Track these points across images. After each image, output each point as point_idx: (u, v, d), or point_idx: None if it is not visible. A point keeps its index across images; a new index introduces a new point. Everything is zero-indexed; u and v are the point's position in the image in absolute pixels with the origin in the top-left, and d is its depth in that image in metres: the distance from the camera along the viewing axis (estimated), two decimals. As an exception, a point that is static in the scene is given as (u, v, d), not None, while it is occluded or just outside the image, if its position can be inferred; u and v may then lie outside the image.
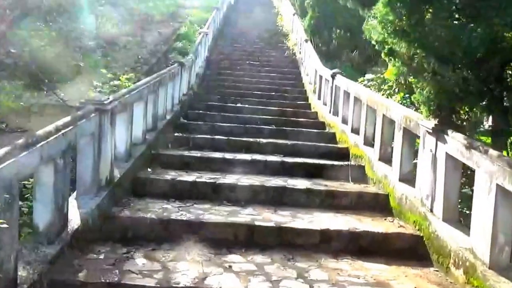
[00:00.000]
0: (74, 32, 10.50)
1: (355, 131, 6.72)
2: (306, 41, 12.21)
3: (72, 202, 3.42)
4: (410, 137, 4.68)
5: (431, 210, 3.87)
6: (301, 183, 5.08)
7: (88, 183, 3.64)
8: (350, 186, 5.21)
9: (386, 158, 5.37)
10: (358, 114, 6.66)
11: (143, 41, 12.18)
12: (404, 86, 6.56)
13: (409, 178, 4.67)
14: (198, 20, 15.39)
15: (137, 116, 5.25)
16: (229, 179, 5.03)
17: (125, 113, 4.70)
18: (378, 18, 3.97)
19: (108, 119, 3.94)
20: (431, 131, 3.88)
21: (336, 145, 7.06)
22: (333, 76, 8.31)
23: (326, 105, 8.82)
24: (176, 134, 6.75)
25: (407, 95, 6.60)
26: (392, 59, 4.12)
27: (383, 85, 8.87)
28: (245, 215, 4.12)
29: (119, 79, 7.22)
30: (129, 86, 6.44)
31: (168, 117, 7.01)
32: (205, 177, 4.99)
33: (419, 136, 4.30)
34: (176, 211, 4.09)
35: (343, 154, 6.55)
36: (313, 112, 9.32)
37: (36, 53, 8.37)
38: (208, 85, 10.65)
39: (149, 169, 5.27)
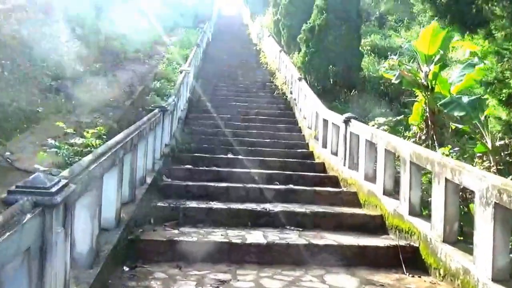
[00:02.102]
0: (33, 70, 8.98)
1: (390, 193, 5.36)
2: (300, 79, 11.21)
3: None
4: (506, 217, 3.29)
5: None
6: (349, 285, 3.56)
7: None
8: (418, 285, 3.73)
9: (453, 240, 3.96)
10: (393, 172, 5.32)
11: (116, 80, 10.97)
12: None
13: (507, 278, 3.25)
14: (176, 58, 14.72)
15: (109, 190, 3.69)
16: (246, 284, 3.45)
17: (90, 194, 3.13)
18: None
19: (58, 216, 2.34)
20: None
21: (364, 212, 5.64)
22: (346, 122, 7.04)
23: (336, 155, 7.52)
24: (160, 204, 5.16)
25: (456, 148, 5.34)
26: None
27: (406, 132, 7.74)
28: None
29: (84, 135, 5.56)
30: (97, 145, 4.88)
31: (148, 179, 5.45)
32: (209, 282, 3.40)
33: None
34: None
35: (379, 227, 5.14)
36: (319, 163, 7.99)
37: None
38: (193, 132, 9.25)
39: (125, 268, 3.64)
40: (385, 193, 5.43)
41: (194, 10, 26.41)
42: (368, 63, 12.74)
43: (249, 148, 8.33)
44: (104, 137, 5.68)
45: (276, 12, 16.46)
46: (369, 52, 13.87)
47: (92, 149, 5.02)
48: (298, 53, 12.65)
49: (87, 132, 5.54)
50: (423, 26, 11.05)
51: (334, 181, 6.99)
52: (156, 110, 6.51)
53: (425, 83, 7.62)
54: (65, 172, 2.68)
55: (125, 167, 4.23)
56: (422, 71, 7.80)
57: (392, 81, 8.53)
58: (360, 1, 12.48)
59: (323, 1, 11.60)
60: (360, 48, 11.84)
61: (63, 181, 2.37)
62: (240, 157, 7.75)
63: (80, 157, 4.55)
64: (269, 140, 9.13)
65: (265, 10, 21.94)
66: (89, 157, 3.28)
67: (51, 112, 7.92)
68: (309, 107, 9.85)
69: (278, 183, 6.69)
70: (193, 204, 5.29)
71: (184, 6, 28.52)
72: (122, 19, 13.95)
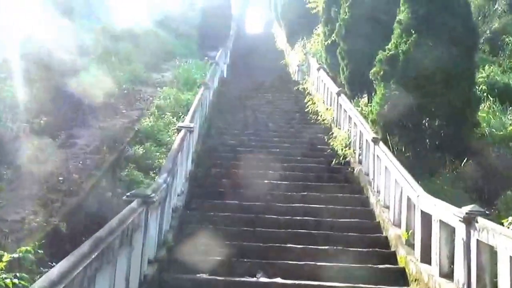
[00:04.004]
0: None
1: None
2: (375, 141, 10.86)
3: None
4: None
5: None
6: None
7: None
8: None
9: None
10: None
11: (72, 145, 10.91)
12: None
13: None
14: (171, 105, 15.17)
15: None
16: None
17: None
18: None
19: None
20: None
21: None
22: (468, 220, 6.28)
23: (451, 279, 6.68)
24: None
25: None
26: None
27: None
28: None
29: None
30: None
31: None
32: None
33: None
34: None
35: None
36: (420, 292, 7.17)
37: None
38: (195, 235, 8.62)
39: None
40: None
41: (201, 28, 27.13)
42: (487, 113, 12.23)
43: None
44: (33, 255, 5.04)
45: (330, 32, 16.49)
46: (486, 93, 13.43)
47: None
48: (370, 97, 12.37)
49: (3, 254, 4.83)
50: None
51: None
52: (135, 203, 5.99)
53: None
54: None
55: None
56: None
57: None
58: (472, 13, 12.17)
59: (408, 14, 11.33)
60: (474, 89, 11.37)
61: None
62: None
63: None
64: (326, 249, 8.45)
65: (311, 30, 22.29)
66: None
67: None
68: (393, 189, 9.28)
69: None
70: None
71: (184, 22, 29.47)
72: (84, 45, 14.22)
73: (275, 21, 35.87)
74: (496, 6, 18.60)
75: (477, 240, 6.15)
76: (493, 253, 5.80)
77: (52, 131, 11.06)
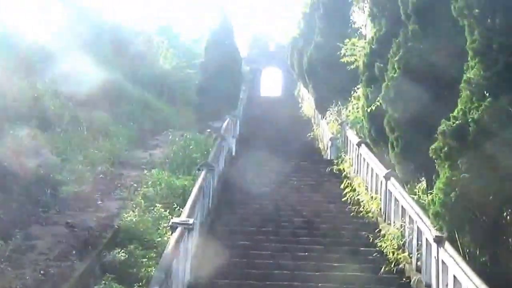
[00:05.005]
0: None
1: None
2: (440, 241, 10.80)
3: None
4: None
5: None
6: None
7: None
8: None
9: None
10: None
11: (28, 249, 11.01)
12: None
13: None
14: (164, 193, 15.49)
15: None
16: None
17: None
18: None
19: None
20: None
21: None
22: None
23: None
24: None
25: None
26: None
27: None
28: None
29: None
30: None
31: None
32: None
33: None
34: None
35: None
36: None
37: None
38: None
39: None
40: None
41: (201, 91, 27.69)
42: None
43: None
44: None
45: (374, 95, 16.49)
46: None
47: None
48: (430, 182, 12.58)
49: None
50: None
51: None
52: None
53: None
54: None
55: None
56: None
57: None
58: None
59: (480, 71, 11.36)
60: None
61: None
62: None
63: None
64: None
65: (348, 92, 22.37)
66: None
67: None
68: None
69: None
70: None
71: (179, 82, 29.86)
72: (46, 115, 14.44)
73: (299, 80, 36.47)
74: None
75: None
76: None
77: (4, 230, 11.19)
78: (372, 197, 16.20)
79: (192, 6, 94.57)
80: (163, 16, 44.22)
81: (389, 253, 13.16)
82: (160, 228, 13.03)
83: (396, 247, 13.14)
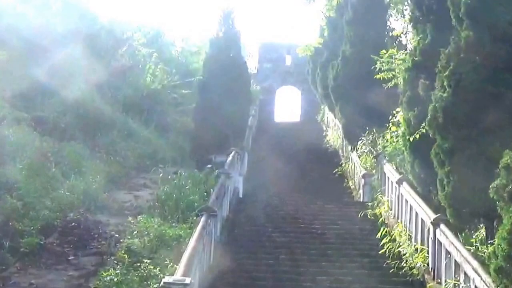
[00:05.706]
0: None
1: None
2: None
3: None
4: None
5: None
6: None
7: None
8: None
9: None
10: None
11: None
12: None
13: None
14: (153, 246, 15.45)
15: None
16: None
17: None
18: None
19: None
20: None
21: None
22: None
23: None
24: None
25: None
26: None
27: None
28: None
29: None
30: None
31: None
32: None
33: None
34: None
35: None
36: None
37: None
38: None
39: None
40: None
41: (199, 116, 27.82)
42: None
43: None
44: None
45: (418, 120, 16.45)
46: None
47: None
48: (491, 230, 12.74)
49: None
50: None
51: None
52: None
53: None
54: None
55: None
56: None
57: None
58: None
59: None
60: None
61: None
62: None
63: None
64: None
65: (386, 118, 22.33)
66: None
67: None
68: None
69: None
70: None
71: (171, 106, 29.96)
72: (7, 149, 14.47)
73: (323, 102, 36.46)
74: None
75: None
76: None
77: None
78: (416, 249, 16.05)
79: (189, 11, 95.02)
80: (153, 23, 44.23)
81: None
82: (148, 290, 12.95)
83: None
